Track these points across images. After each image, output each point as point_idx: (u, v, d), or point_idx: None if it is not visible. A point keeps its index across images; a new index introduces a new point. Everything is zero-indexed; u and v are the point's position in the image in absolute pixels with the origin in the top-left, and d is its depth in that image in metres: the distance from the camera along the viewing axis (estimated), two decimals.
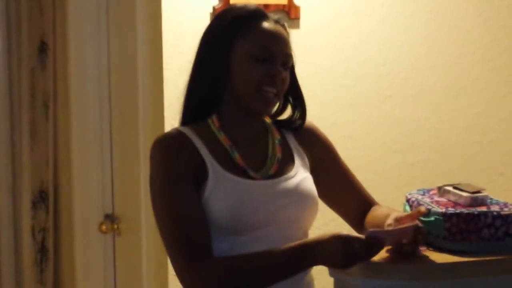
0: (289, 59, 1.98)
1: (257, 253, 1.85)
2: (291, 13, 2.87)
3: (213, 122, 1.98)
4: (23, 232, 3.09)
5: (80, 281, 3.02)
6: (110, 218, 3.00)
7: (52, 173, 3.11)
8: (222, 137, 1.96)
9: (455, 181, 2.15)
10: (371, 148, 3.02)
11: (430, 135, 3.09)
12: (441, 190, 2.04)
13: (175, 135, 1.95)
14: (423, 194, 2.07)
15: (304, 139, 2.08)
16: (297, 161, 2.03)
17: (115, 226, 3.00)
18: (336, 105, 2.98)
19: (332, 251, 1.79)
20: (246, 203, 1.90)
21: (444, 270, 1.85)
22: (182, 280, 1.86)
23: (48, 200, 3.10)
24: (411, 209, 2.03)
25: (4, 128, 3.07)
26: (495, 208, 1.92)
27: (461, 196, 1.97)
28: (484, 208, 1.92)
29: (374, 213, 2.06)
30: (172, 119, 2.65)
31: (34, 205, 3.09)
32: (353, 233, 1.86)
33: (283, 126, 2.08)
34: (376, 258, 1.83)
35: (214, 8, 2.79)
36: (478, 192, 1.97)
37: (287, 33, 2.01)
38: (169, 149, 1.92)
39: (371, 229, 1.82)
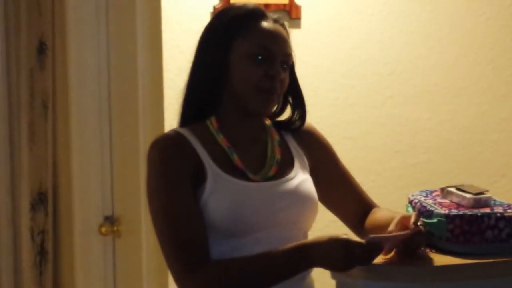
0: (289, 58, 1.97)
1: (255, 255, 1.84)
2: (292, 13, 2.87)
3: (212, 123, 1.97)
4: (22, 234, 3.08)
5: (80, 283, 3.01)
6: (110, 220, 3.00)
7: (51, 174, 3.10)
8: (220, 138, 1.95)
9: (457, 182, 2.14)
10: (372, 149, 3.02)
11: (431, 136, 3.08)
12: (444, 192, 2.04)
13: (173, 136, 1.93)
14: (426, 196, 2.06)
15: (304, 140, 2.07)
16: (297, 163, 2.02)
17: (115, 228, 2.99)
18: (337, 105, 2.97)
19: (330, 254, 1.79)
20: (245, 205, 1.88)
21: (447, 272, 1.85)
22: (180, 285, 1.85)
23: (47, 201, 3.09)
24: (414, 211, 2.02)
25: (2, 129, 3.06)
26: (498, 209, 1.92)
27: (464, 197, 1.96)
28: (487, 210, 1.91)
29: (375, 216, 2.05)
30: (172, 119, 2.64)
31: (33, 207, 3.08)
32: (351, 234, 1.86)
33: (282, 127, 2.07)
34: (378, 260, 1.82)
35: (214, 7, 2.78)
36: (481, 193, 1.97)
37: (287, 32, 2.00)
38: (166, 151, 1.90)
39: (371, 235, 1.82)
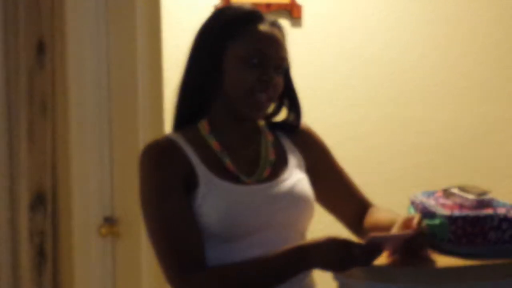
0: (284, 62, 1.95)
1: (252, 259, 1.84)
2: (293, 12, 2.86)
3: (203, 127, 1.95)
4: (21, 235, 3.07)
5: (79, 285, 3.01)
6: (109, 221, 2.99)
7: (50, 175, 3.09)
8: (212, 142, 1.94)
9: (459, 182, 2.14)
10: (373, 149, 3.02)
11: (434, 136, 3.08)
12: (446, 193, 2.03)
13: (163, 143, 1.92)
14: (428, 197, 2.06)
15: (299, 141, 2.07)
16: (292, 163, 2.01)
17: (115, 229, 2.98)
18: (339, 105, 2.97)
19: (328, 255, 1.79)
20: (239, 209, 1.87)
21: (449, 273, 1.85)
22: None
23: (46, 202, 3.09)
24: (416, 212, 2.01)
25: (1, 129, 3.06)
26: (501, 210, 1.92)
27: (466, 198, 1.96)
28: (490, 211, 1.91)
29: (375, 217, 2.04)
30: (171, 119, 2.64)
31: (32, 208, 3.08)
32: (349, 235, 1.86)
33: (277, 127, 2.05)
34: (380, 261, 1.82)
35: (215, 7, 2.77)
36: (484, 194, 1.96)
37: (283, 35, 1.97)
38: (157, 158, 1.90)
39: (371, 235, 1.81)
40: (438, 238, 1.91)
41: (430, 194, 2.09)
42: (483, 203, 1.94)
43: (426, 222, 1.91)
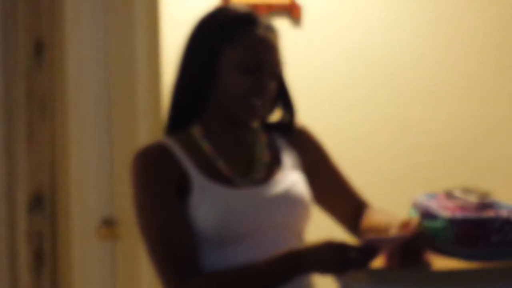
0: (278, 67, 1.94)
1: (249, 264, 1.83)
2: (293, 13, 2.86)
3: (197, 130, 1.94)
4: (19, 237, 3.07)
5: (78, 287, 3.00)
6: (109, 222, 2.98)
7: (49, 176, 3.09)
8: (205, 146, 1.93)
9: (460, 183, 2.13)
10: (374, 149, 3.02)
11: (435, 136, 3.08)
12: (448, 194, 2.03)
13: (155, 149, 1.92)
14: (430, 199, 2.05)
15: (295, 141, 2.06)
16: (287, 164, 2.00)
17: (114, 231, 2.97)
18: (339, 105, 2.97)
19: (325, 258, 1.79)
20: (234, 213, 1.87)
21: (451, 276, 1.84)
22: None
23: (45, 204, 3.08)
24: (418, 214, 2.01)
25: (0, 130, 3.06)
26: (503, 213, 1.92)
27: (469, 200, 1.95)
28: (492, 213, 1.91)
29: (373, 219, 2.03)
30: None
31: (31, 209, 3.08)
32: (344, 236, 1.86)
33: (272, 128, 2.05)
34: (377, 263, 1.81)
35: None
36: (486, 196, 1.96)
37: (278, 38, 1.95)
38: (149, 164, 1.89)
39: (368, 237, 1.80)
40: (439, 241, 1.91)
41: (432, 196, 2.08)
42: (485, 205, 1.94)
43: (428, 224, 1.90)
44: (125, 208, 2.94)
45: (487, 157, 3.12)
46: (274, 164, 1.99)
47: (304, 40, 2.87)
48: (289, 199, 1.94)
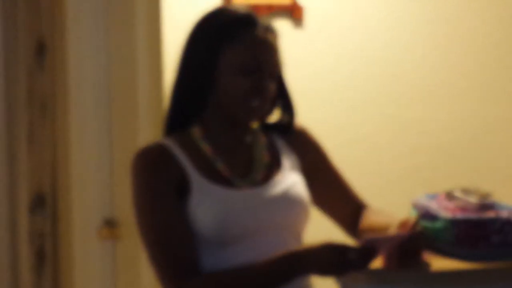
0: (278, 68, 1.94)
1: (248, 265, 1.83)
2: (294, 14, 2.85)
3: (196, 131, 1.94)
4: (21, 237, 3.07)
5: (79, 287, 3.00)
6: (110, 223, 2.98)
7: (50, 176, 3.09)
8: (205, 147, 1.93)
9: (461, 183, 2.13)
10: (375, 150, 3.01)
11: (435, 136, 3.07)
12: (448, 195, 2.03)
13: (155, 149, 1.92)
14: (430, 200, 2.05)
15: (295, 142, 2.06)
16: (286, 165, 2.00)
17: (115, 231, 2.97)
18: (340, 106, 2.97)
19: (323, 260, 1.79)
20: (233, 214, 1.87)
21: (451, 276, 1.85)
22: None
23: (46, 204, 3.08)
24: (418, 215, 2.01)
25: (1, 130, 3.05)
26: (504, 213, 1.92)
27: (469, 201, 1.95)
28: (492, 214, 1.91)
29: (371, 220, 2.04)
30: None
31: (32, 210, 3.08)
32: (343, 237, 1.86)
33: (271, 129, 2.05)
34: (376, 264, 1.81)
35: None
36: (487, 196, 1.96)
37: (277, 39, 1.96)
38: (149, 165, 1.89)
39: (366, 238, 1.80)
40: (440, 241, 1.91)
41: (433, 197, 2.08)
42: (486, 206, 1.94)
43: (428, 225, 1.90)
44: (126, 208, 2.93)
45: (487, 157, 3.12)
46: (274, 165, 1.99)
47: (305, 41, 2.86)
48: (288, 200, 1.94)
